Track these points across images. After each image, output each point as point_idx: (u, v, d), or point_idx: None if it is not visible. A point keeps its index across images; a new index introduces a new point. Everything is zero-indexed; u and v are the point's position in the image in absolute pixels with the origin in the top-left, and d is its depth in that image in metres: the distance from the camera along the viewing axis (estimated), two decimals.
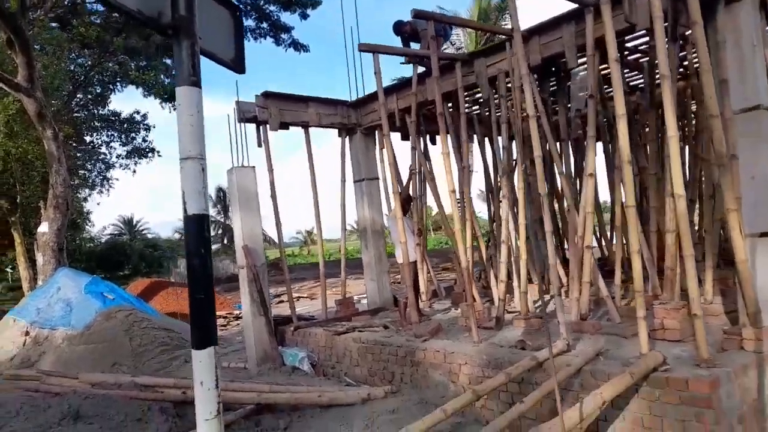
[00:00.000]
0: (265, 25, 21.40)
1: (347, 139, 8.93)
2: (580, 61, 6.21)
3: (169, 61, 22.14)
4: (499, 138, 6.99)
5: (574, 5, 5.73)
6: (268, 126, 7.92)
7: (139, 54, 20.86)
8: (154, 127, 21.56)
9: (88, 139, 22.17)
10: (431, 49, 5.98)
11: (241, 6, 21.99)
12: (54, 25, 20.00)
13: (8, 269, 27.08)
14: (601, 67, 6.14)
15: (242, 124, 7.86)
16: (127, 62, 21.10)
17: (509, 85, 6.78)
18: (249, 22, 21.46)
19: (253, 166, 7.71)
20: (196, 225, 2.08)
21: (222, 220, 38.08)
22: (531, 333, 6.07)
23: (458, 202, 6.52)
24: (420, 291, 7.62)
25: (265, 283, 7.57)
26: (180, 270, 27.46)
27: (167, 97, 22.55)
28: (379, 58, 6.15)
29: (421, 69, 7.40)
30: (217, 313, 13.72)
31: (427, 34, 7.03)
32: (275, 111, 7.93)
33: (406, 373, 5.96)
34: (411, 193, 7.61)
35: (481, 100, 9.02)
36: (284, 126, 8.20)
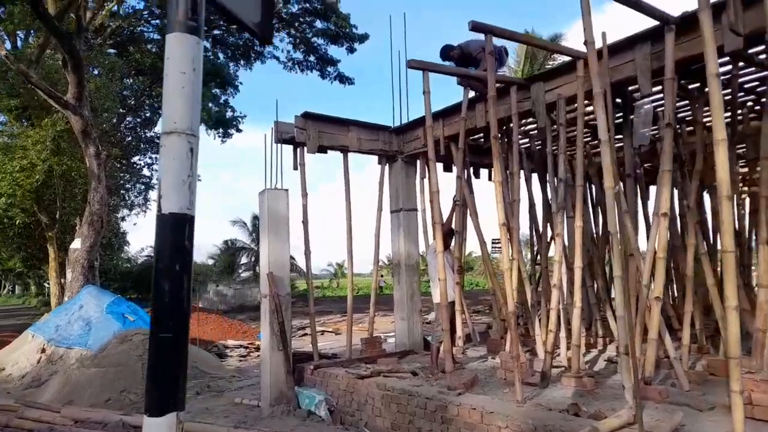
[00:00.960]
0: (312, 58, 21.46)
1: (387, 167, 8.31)
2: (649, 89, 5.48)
3: (217, 91, 22.42)
4: (557, 171, 6.25)
5: (650, 23, 5.06)
6: (305, 148, 7.38)
7: None
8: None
9: (133, 160, 22.39)
10: (488, 67, 5.33)
11: (290, 39, 22.06)
12: (111, 51, 20.49)
13: (46, 284, 27.29)
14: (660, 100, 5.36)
15: (279, 145, 7.35)
16: None
17: (570, 115, 6.08)
18: (297, 55, 21.59)
19: (286, 189, 7.13)
20: (173, 230, 1.41)
21: (255, 248, 37.85)
22: (583, 395, 5.17)
23: (505, 239, 5.75)
24: (456, 335, 6.79)
25: (287, 314, 6.87)
26: (209, 296, 27.11)
27: (212, 124, 22.73)
28: (429, 81, 5.55)
29: (471, 94, 6.78)
30: (239, 343, 13.19)
31: (485, 50, 6.45)
32: (314, 133, 7.40)
33: (434, 431, 5.10)
34: (453, 226, 6.87)
35: (532, 132, 8.33)
36: (322, 150, 7.65)
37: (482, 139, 8.54)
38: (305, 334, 14.74)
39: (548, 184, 6.41)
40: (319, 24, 20.71)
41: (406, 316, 8.07)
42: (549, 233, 7.42)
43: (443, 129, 7.34)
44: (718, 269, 6.33)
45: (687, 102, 6.63)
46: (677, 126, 5.86)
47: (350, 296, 7.86)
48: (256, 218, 35.82)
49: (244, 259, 38.52)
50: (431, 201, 5.61)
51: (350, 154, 7.89)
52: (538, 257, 8.49)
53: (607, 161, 4.25)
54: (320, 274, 59.89)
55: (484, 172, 9.27)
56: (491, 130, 5.02)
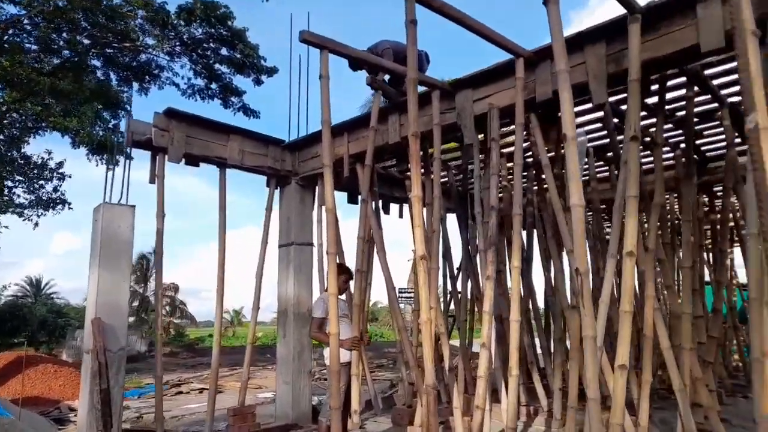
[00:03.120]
0: (214, 86, 19.52)
1: (277, 191, 6.60)
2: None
3: (106, 114, 19.63)
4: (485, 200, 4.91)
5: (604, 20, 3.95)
6: (166, 156, 5.52)
7: (69, 98, 18.30)
8: (69, 176, 18.45)
9: None
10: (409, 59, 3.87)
11: (191, 65, 20.04)
12: None
13: None
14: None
15: (132, 149, 5.44)
16: (52, 105, 18.39)
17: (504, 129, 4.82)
18: (198, 82, 19.55)
19: (132, 206, 5.18)
20: None
21: (141, 291, 33.71)
22: None
23: (424, 278, 4.21)
24: (351, 408, 5.03)
25: (118, 378, 4.77)
26: (76, 342, 23.05)
27: (95, 148, 19.75)
28: (329, 63, 4.03)
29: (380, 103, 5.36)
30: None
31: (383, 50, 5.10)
32: (180, 137, 5.56)
33: None
34: (359, 264, 5.23)
35: (454, 162, 7.06)
36: (192, 160, 5.81)
37: (393, 167, 7.14)
38: (179, 392, 12.18)
39: (476, 217, 5.03)
40: (224, 51, 18.98)
41: (290, 380, 6.18)
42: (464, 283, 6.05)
43: (348, 145, 5.82)
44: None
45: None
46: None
47: (216, 352, 5.89)
48: (143, 257, 32.04)
49: (133, 302, 34.16)
50: (327, 222, 3.96)
51: (233, 171, 6.13)
52: (452, 307, 7.08)
53: (551, 182, 2.91)
54: (214, 322, 54.96)
55: (394, 207, 7.83)
56: (410, 126, 3.54)
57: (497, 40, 4.05)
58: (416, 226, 3.45)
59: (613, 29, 3.85)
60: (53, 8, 17.42)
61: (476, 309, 6.17)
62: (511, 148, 5.15)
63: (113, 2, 18.16)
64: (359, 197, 6.62)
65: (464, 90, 4.85)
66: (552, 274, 5.36)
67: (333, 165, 5.24)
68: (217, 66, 19.35)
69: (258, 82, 19.49)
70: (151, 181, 5.63)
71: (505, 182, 6.41)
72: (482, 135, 4.95)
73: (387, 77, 5.56)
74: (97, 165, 20.73)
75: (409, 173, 7.14)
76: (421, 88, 5.11)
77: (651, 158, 5.35)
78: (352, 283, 5.08)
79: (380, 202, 6.93)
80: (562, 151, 4.79)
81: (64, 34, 18.89)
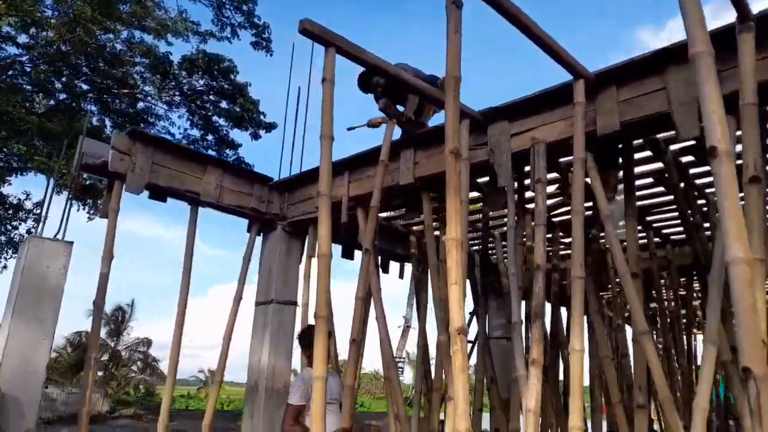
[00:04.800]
0: (211, 137, 18.71)
1: (260, 237, 5.41)
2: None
3: None
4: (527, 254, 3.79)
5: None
6: (125, 184, 4.36)
7: (58, 139, 17.34)
8: (46, 218, 17.04)
9: None
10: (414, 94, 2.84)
11: (189, 115, 19.38)
12: None
13: None
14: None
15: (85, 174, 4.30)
16: (39, 146, 17.36)
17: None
18: (194, 132, 18.74)
19: (70, 242, 3.95)
20: None
21: (113, 344, 31.32)
22: None
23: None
24: None
25: None
26: None
27: (78, 195, 18.53)
28: (334, 65, 3.01)
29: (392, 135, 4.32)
30: None
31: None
32: (143, 163, 4.42)
33: None
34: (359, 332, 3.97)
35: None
36: (158, 192, 4.65)
37: (397, 218, 6.02)
38: None
39: (501, 281, 3.86)
40: (224, 104, 18.33)
41: None
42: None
43: (348, 186, 4.71)
44: None
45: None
46: None
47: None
48: (119, 309, 30.00)
49: (102, 357, 31.58)
50: (319, 271, 2.75)
51: (207, 210, 4.96)
52: None
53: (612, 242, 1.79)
54: (191, 381, 52.12)
55: (394, 266, 6.63)
56: (447, 140, 2.42)
57: (561, 56, 3.07)
58: (452, 283, 2.27)
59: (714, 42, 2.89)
60: (55, 51, 16.79)
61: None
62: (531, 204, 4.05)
63: (116, 49, 17.61)
64: (358, 250, 5.48)
65: (499, 122, 3.82)
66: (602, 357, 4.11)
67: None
68: (215, 118, 18.70)
69: (255, 136, 18.78)
70: (103, 215, 4.44)
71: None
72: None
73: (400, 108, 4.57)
74: (78, 210, 19.41)
75: (416, 226, 6.02)
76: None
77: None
78: (342, 351, 3.81)
79: (379, 258, 5.75)
80: (617, 199, 3.73)
81: (63, 78, 18.21)
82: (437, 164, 4.16)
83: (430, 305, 5.26)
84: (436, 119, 4.74)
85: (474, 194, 5.32)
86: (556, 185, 4.68)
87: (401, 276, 6.64)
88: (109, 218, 4.31)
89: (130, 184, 4.31)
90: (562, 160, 4.01)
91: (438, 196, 4.50)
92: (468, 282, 6.11)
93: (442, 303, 4.04)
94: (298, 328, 5.03)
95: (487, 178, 4.20)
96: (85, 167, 4.30)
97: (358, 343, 3.90)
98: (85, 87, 18.56)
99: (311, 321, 4.77)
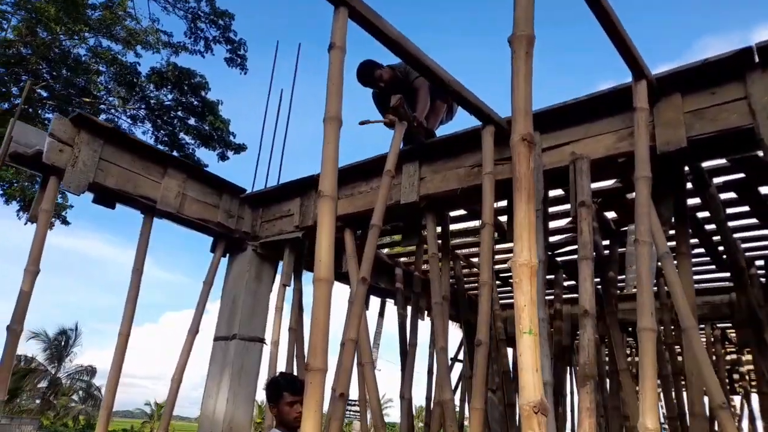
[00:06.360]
0: (175, 154, 17.60)
1: (226, 258, 4.51)
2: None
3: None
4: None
5: None
6: (62, 181, 3.44)
7: None
8: None
9: None
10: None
11: (154, 130, 18.30)
12: None
13: None
14: None
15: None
16: None
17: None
18: (158, 148, 17.63)
19: None
20: None
21: (53, 371, 28.60)
22: None
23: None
24: None
25: None
26: None
27: (26, 204, 16.95)
28: (346, 31, 2.29)
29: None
30: None
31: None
32: (88, 157, 3.51)
33: None
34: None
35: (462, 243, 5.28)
36: (105, 196, 3.73)
37: (385, 246, 5.23)
38: None
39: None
40: (192, 121, 17.33)
41: None
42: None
43: (336, 202, 3.93)
44: None
45: None
46: None
47: None
48: (62, 332, 27.59)
49: (40, 383, 28.67)
50: (315, 303, 1.93)
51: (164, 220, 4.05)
52: None
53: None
54: (135, 413, 48.99)
55: (375, 300, 5.79)
56: (516, 129, 1.71)
57: (630, 51, 2.44)
58: (523, 332, 1.50)
59: None
60: (16, 55, 15.60)
61: None
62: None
63: (80, 55, 16.53)
64: (338, 281, 4.63)
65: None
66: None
67: (307, 233, 3.38)
68: (182, 135, 17.65)
69: (223, 157, 17.75)
70: (31, 219, 3.48)
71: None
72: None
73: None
74: (25, 224, 17.73)
75: (404, 257, 5.24)
76: (454, 126, 3.41)
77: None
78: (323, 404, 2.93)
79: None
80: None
81: (21, 84, 16.94)
82: (446, 181, 3.45)
83: (424, 354, 4.48)
84: (442, 129, 4.05)
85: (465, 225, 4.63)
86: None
87: (381, 314, 5.80)
88: (38, 222, 3.35)
89: (69, 182, 3.38)
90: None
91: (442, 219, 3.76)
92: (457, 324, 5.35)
93: (443, 353, 3.27)
94: (264, 372, 4.10)
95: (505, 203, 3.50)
96: (15, 158, 3.36)
97: (345, 397, 3.03)
98: (44, 94, 17.30)
99: (281, 365, 3.87)
